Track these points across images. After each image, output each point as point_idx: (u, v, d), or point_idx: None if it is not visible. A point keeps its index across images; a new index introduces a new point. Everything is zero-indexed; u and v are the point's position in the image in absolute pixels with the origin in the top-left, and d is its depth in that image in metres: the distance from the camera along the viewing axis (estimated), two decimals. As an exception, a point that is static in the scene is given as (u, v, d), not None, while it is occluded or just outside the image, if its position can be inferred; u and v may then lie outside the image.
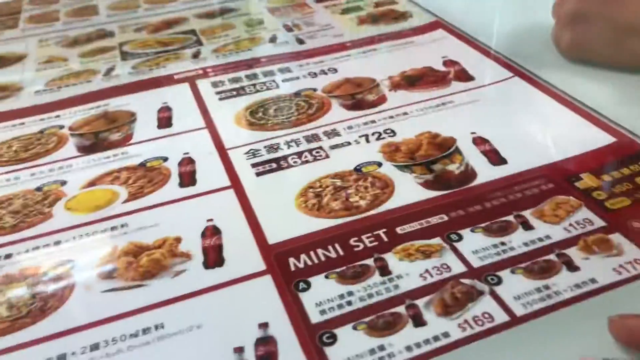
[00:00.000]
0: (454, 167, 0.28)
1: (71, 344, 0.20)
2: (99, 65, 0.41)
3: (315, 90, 0.35)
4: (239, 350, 0.20)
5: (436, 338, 0.19)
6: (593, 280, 0.21)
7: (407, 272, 0.22)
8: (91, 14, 0.50)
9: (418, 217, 0.25)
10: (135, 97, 0.36)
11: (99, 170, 0.30)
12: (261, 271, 0.23)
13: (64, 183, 0.29)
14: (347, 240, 0.24)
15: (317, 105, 0.34)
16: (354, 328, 0.20)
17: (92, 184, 0.29)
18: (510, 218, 0.24)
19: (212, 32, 0.44)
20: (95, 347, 0.20)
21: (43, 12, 0.51)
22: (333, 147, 0.30)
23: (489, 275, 0.22)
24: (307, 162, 0.29)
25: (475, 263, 0.22)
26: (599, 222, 0.24)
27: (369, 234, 0.24)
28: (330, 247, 0.23)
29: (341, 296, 0.21)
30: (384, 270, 0.22)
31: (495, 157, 0.28)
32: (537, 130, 0.31)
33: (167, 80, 0.38)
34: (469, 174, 0.27)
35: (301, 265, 0.23)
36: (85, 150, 0.32)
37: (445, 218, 0.24)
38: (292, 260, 0.23)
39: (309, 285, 0.22)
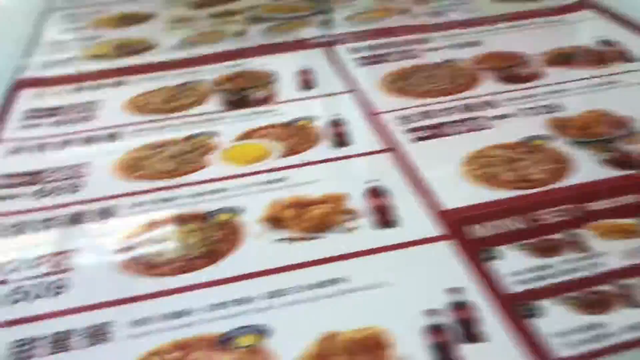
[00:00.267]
0: (635, 148, 0.25)
1: (248, 288, 0.20)
2: (229, 27, 0.40)
3: (462, 60, 0.34)
4: (432, 312, 0.19)
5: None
6: None
7: (608, 250, 0.20)
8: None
9: (607, 195, 0.23)
10: (271, 58, 0.36)
11: (248, 125, 0.29)
12: (440, 236, 0.22)
13: (215, 134, 0.29)
14: (530, 212, 0.22)
15: (466, 76, 0.32)
16: (559, 302, 0.19)
17: (243, 137, 0.28)
18: None
19: (341, 0, 0.43)
20: (276, 293, 0.20)
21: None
22: (495, 117, 0.28)
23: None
24: (469, 130, 0.27)
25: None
26: None
27: (555, 208, 0.22)
28: (513, 218, 0.22)
29: (539, 268, 0.20)
30: (582, 246, 0.20)
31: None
32: None
33: (302, 45, 0.37)
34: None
35: (485, 233, 0.21)
36: (231, 105, 0.31)
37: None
38: (473, 227, 0.22)
39: (496, 254, 0.21)
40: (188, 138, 0.28)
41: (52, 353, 0.18)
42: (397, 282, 0.20)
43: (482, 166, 0.25)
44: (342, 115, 0.29)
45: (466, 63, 0.34)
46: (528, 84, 0.31)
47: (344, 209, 0.23)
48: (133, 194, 0.25)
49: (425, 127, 0.28)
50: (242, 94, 0.32)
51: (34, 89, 0.34)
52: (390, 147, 0.27)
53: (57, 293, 0.20)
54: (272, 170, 0.26)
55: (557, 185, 0.24)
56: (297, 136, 0.28)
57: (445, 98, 0.30)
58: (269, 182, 0.25)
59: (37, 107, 0.32)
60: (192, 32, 0.40)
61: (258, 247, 0.22)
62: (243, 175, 0.26)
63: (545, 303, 0.19)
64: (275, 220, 0.23)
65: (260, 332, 0.18)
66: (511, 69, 0.33)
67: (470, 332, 0.18)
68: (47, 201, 0.25)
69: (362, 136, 0.28)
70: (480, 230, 0.22)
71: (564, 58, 0.33)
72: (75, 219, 0.24)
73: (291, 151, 0.27)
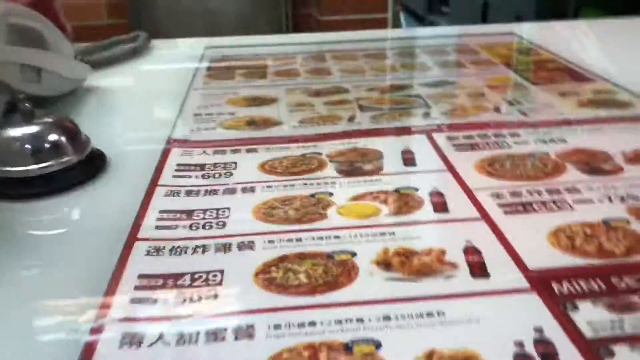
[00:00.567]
0: None
1: (363, 312, 0.24)
2: (342, 112, 0.47)
3: (547, 153, 0.38)
4: (519, 344, 0.22)
5: None
6: None
7: (679, 313, 0.23)
8: (325, 74, 0.58)
9: (680, 270, 0.26)
10: (378, 140, 0.42)
11: (359, 190, 0.35)
12: (526, 288, 0.25)
13: (331, 194, 0.34)
14: (608, 278, 0.26)
15: (552, 166, 0.37)
16: (632, 349, 0.22)
17: (355, 199, 0.34)
18: None
19: (437, 98, 0.50)
20: (387, 317, 0.24)
21: (285, 69, 0.60)
22: (577, 201, 0.32)
23: None
24: (552, 210, 0.32)
25: None
26: None
27: (631, 277, 0.26)
28: (593, 280, 0.26)
29: (616, 321, 0.23)
30: (655, 307, 0.24)
31: None
32: None
33: (405, 131, 0.43)
34: None
35: (565, 290, 0.25)
36: (344, 173, 0.37)
37: None
38: (555, 285, 0.25)
39: (577, 306, 0.24)
40: (310, 195, 0.34)
41: (207, 342, 0.23)
42: (487, 318, 0.24)
43: (565, 238, 0.29)
44: (441, 187, 0.34)
45: (551, 155, 0.38)
46: (609, 176, 0.35)
47: (444, 261, 0.28)
48: (267, 233, 0.31)
49: (514, 204, 0.32)
50: (353, 165, 0.38)
51: (182, 149, 0.41)
52: (483, 216, 0.31)
53: (212, 298, 0.26)
54: (381, 225, 0.31)
55: (633, 259, 0.27)
56: (401, 201, 0.33)
57: (532, 182, 0.35)
58: (380, 234, 0.30)
59: (185, 162, 0.39)
60: (311, 115, 0.47)
61: (371, 282, 0.26)
62: (357, 227, 0.31)
63: (619, 348, 0.22)
64: (385, 264, 0.28)
65: (376, 344, 0.23)
66: (593, 163, 0.37)
67: (552, 362, 0.21)
68: (199, 233, 0.31)
69: (458, 206, 0.33)
70: (561, 286, 0.25)
71: (643, 158, 0.37)
72: (221, 248, 0.29)
73: (397, 212, 0.32)
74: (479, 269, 0.27)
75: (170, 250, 0.30)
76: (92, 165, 0.38)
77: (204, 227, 0.32)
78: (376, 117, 0.47)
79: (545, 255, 0.28)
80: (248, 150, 0.41)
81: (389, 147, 0.41)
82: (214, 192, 0.35)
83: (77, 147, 0.37)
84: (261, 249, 0.29)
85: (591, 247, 0.28)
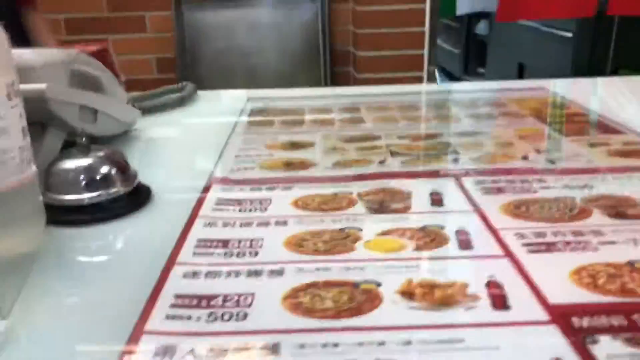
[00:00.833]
0: None
1: (386, 336, 0.25)
2: (373, 157, 0.49)
3: (574, 198, 0.39)
4: (537, 371, 0.23)
5: None
6: None
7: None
8: (359, 122, 0.61)
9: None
10: (408, 182, 0.43)
11: (387, 226, 0.36)
12: (546, 320, 0.26)
13: (360, 230, 0.36)
14: (629, 315, 0.26)
15: (577, 210, 0.37)
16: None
17: (382, 234, 0.35)
18: None
19: (466, 146, 0.51)
20: (407, 342, 0.25)
21: (322, 118, 0.64)
22: (601, 242, 0.33)
23: None
24: (576, 249, 0.32)
25: None
26: None
27: (653, 313, 0.26)
28: (613, 316, 0.26)
29: (632, 355, 0.23)
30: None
31: None
32: None
33: (434, 174, 0.45)
34: None
35: (584, 325, 0.25)
36: (373, 211, 0.39)
37: None
38: (575, 319, 0.26)
39: (595, 340, 0.24)
40: (340, 230, 0.36)
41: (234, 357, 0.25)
42: (507, 347, 0.24)
43: (587, 276, 0.29)
44: (466, 226, 0.36)
45: (577, 200, 0.39)
46: (635, 221, 0.35)
47: (466, 294, 0.29)
48: (297, 262, 0.32)
49: (539, 244, 0.33)
50: (382, 204, 0.40)
51: (223, 185, 0.44)
52: (507, 254, 0.32)
53: (242, 319, 0.27)
54: (407, 259, 0.32)
55: (655, 297, 0.27)
56: (428, 237, 0.34)
57: (557, 224, 0.35)
58: (405, 267, 0.31)
59: (224, 197, 0.42)
60: (344, 158, 0.50)
61: (394, 310, 0.28)
62: (383, 260, 0.32)
63: (637, 379, 0.22)
64: (408, 294, 0.29)
65: (395, 364, 0.24)
66: (619, 208, 0.37)
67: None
68: (233, 260, 0.33)
69: (483, 244, 0.34)
70: (582, 321, 0.26)
71: (671, 205, 0.37)
72: (253, 274, 0.31)
73: (423, 247, 0.33)
74: (500, 302, 0.28)
75: (206, 274, 0.31)
76: (138, 197, 0.41)
77: (237, 255, 0.33)
78: (406, 162, 0.48)
79: (566, 292, 0.28)
80: (283, 188, 0.43)
81: (417, 189, 0.42)
82: (249, 224, 0.37)
83: (125, 180, 0.40)
84: (291, 276, 0.31)
85: (613, 286, 0.28)
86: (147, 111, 0.66)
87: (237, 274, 0.31)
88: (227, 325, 0.27)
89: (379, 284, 0.30)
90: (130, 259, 0.34)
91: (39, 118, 0.43)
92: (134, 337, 0.26)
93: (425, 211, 0.38)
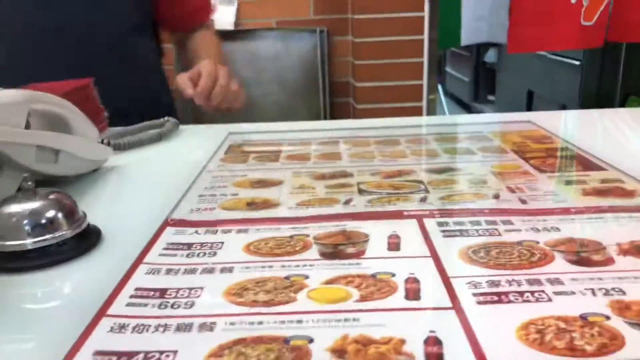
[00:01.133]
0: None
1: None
2: (340, 196, 0.48)
3: (537, 242, 0.37)
4: None
5: None
6: None
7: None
8: (336, 158, 0.60)
9: (653, 373, 0.24)
10: (368, 223, 0.42)
11: (336, 273, 0.34)
12: (481, 385, 0.24)
13: (307, 277, 0.34)
14: (572, 378, 0.24)
15: (539, 255, 0.35)
16: None
17: (330, 282, 0.33)
18: None
19: (437, 184, 0.50)
20: (326, 409, 0.23)
21: (298, 153, 0.62)
22: (556, 293, 0.31)
23: None
24: (528, 301, 0.30)
25: None
26: None
27: (597, 377, 0.24)
28: (553, 379, 0.24)
29: None
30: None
31: None
32: None
33: (397, 215, 0.43)
34: None
35: (522, 389, 0.23)
36: (326, 256, 0.37)
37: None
38: (513, 382, 0.24)
39: (530, 408, 0.22)
40: (285, 277, 0.34)
41: None
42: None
43: (535, 332, 0.27)
44: (418, 273, 0.34)
45: (540, 244, 0.37)
46: (598, 268, 0.33)
47: (401, 351, 0.26)
48: (230, 315, 0.30)
49: (490, 294, 0.31)
50: (336, 248, 0.38)
51: (178, 227, 0.43)
52: (455, 306, 0.30)
53: None
54: (348, 311, 0.30)
55: (604, 358, 0.25)
56: (375, 286, 0.33)
57: (514, 271, 0.33)
58: (344, 320, 0.29)
59: (175, 241, 0.40)
60: (310, 197, 0.48)
61: (320, 370, 0.26)
62: (322, 312, 0.30)
63: None
64: (339, 352, 0.27)
65: None
66: (584, 253, 0.35)
67: None
68: (165, 312, 0.31)
69: (431, 293, 0.32)
70: (520, 386, 0.24)
71: (639, 249, 0.35)
72: (182, 328, 0.29)
73: (368, 298, 0.31)
74: (435, 362, 0.26)
75: (134, 327, 0.30)
76: (86, 241, 0.40)
77: (172, 306, 0.32)
78: (372, 201, 0.47)
79: (509, 350, 0.26)
80: (238, 231, 0.42)
81: (376, 231, 0.40)
82: (193, 271, 0.36)
83: (72, 223, 0.39)
84: (221, 330, 0.29)
85: (561, 343, 0.26)
86: (123, 147, 0.66)
87: (166, 328, 0.29)
88: (141, 387, 0.25)
89: (311, 340, 0.28)
90: (60, 309, 0.33)
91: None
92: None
93: (380, 256, 0.37)
